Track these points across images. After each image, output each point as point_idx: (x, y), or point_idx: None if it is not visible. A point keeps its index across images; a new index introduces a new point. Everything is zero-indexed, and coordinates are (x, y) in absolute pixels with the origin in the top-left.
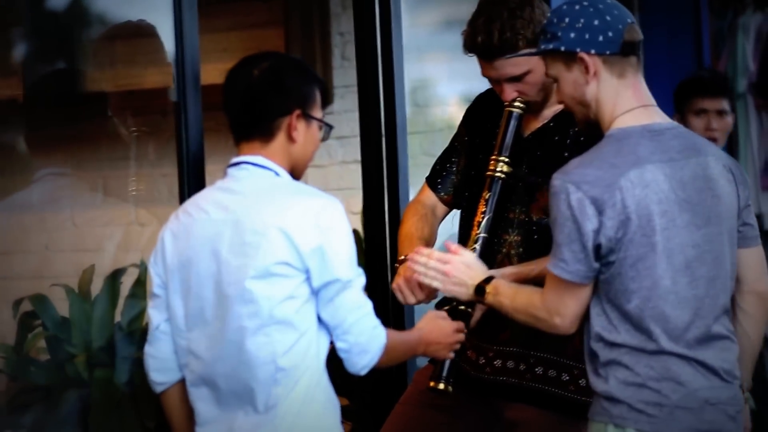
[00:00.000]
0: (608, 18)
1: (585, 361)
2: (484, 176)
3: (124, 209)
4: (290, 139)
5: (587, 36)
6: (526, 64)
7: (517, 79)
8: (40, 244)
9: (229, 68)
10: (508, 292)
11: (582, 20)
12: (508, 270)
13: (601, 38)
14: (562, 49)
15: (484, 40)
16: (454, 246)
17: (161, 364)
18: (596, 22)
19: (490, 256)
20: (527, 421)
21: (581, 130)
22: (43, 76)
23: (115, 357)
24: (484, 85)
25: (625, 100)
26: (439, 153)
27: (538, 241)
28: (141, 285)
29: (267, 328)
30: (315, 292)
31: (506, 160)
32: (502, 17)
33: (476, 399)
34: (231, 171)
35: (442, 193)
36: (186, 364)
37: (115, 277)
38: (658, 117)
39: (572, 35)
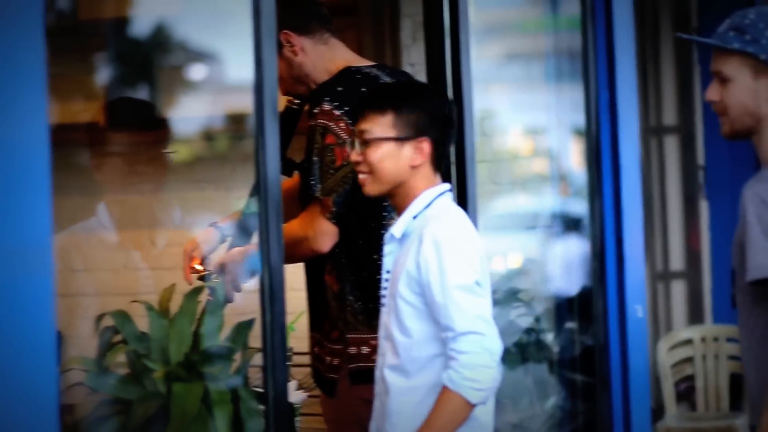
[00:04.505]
0: None
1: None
2: None
3: (200, 230)
4: None
5: None
6: None
7: None
8: (119, 263)
9: None
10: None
11: None
12: None
13: None
14: (762, 57)
15: None
16: None
17: None
18: None
19: None
20: None
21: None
22: (123, 100)
23: (192, 372)
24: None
25: None
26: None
27: None
28: (218, 303)
29: None
30: None
31: None
32: None
33: None
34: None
35: None
36: None
37: (193, 295)
38: None
39: None
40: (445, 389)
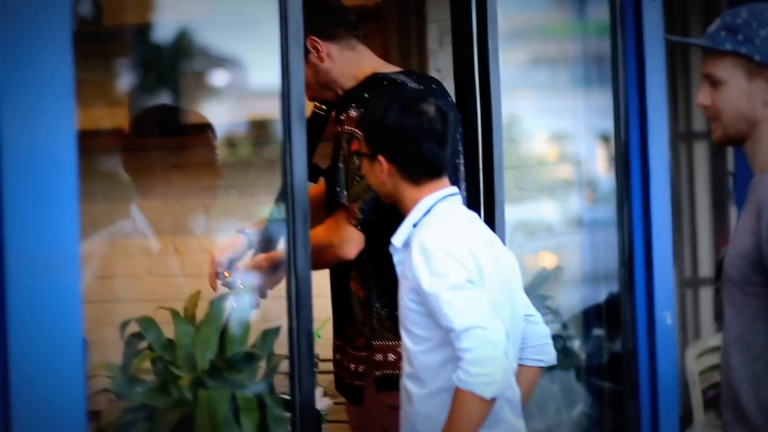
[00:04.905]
0: None
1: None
2: None
3: (225, 236)
4: None
5: None
6: None
7: None
8: (143, 269)
9: None
10: None
11: None
12: None
13: None
14: (756, 57)
15: None
16: None
17: None
18: None
19: None
20: None
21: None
22: (149, 109)
23: (218, 379)
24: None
25: None
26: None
27: None
28: (243, 310)
29: None
30: None
31: None
32: None
33: None
34: (459, 199)
35: None
36: None
37: (218, 301)
38: None
39: None
40: (457, 390)
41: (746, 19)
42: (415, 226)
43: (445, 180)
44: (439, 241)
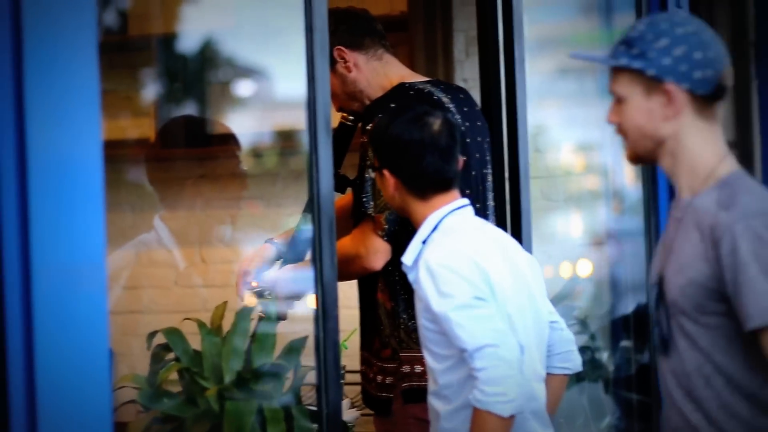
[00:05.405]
0: (711, 55)
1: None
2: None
3: (251, 247)
4: None
5: (684, 68)
6: None
7: None
8: (169, 280)
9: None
10: None
11: (683, 48)
12: None
13: (699, 75)
14: (650, 72)
15: None
16: None
17: None
18: (698, 56)
19: None
20: None
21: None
22: (173, 116)
23: (245, 390)
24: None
25: (719, 145)
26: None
27: None
28: (270, 320)
29: None
30: None
31: None
32: None
33: None
34: (468, 210)
35: None
36: None
37: (245, 312)
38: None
39: (666, 61)
40: (475, 410)
41: (642, 32)
42: (424, 242)
43: (454, 193)
44: (443, 260)
